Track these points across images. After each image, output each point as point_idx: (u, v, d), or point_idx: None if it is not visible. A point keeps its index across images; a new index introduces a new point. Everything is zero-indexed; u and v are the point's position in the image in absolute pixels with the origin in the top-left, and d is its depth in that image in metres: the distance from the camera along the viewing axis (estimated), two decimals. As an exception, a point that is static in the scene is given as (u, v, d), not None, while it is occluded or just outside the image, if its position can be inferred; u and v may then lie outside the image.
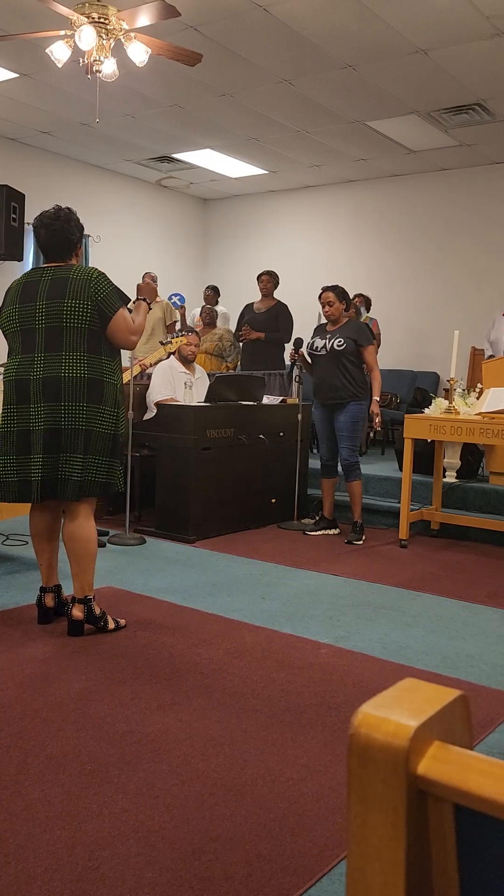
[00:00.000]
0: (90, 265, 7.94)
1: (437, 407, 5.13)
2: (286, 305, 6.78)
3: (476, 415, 4.82)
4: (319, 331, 5.25)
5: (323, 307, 5.12)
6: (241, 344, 7.16)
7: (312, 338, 5.25)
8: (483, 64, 5.51)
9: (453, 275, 8.34)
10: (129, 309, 3.15)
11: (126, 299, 3.12)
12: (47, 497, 3.06)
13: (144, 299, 3.37)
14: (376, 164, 8.23)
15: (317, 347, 5.14)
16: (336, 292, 5.09)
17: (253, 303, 6.92)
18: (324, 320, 5.25)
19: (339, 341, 5.01)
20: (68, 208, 3.20)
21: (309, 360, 5.23)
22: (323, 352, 5.08)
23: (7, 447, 3.08)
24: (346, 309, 5.18)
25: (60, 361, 2.99)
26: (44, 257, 3.21)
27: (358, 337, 5.05)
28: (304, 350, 5.27)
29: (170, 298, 8.16)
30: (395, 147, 7.58)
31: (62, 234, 3.13)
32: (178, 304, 8.07)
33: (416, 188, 8.58)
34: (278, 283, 6.87)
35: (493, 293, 7.87)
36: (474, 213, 8.24)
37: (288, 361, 5.41)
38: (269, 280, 6.81)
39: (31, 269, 3.23)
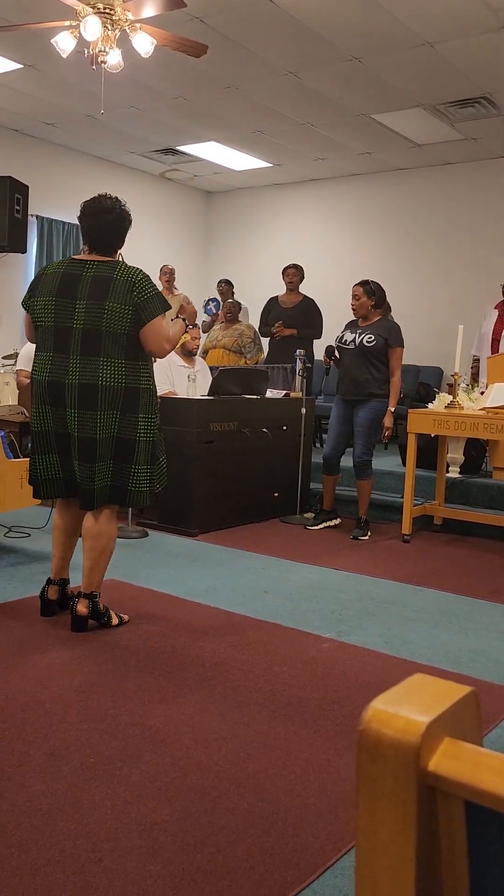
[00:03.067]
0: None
1: (441, 402, 5.12)
2: (314, 300, 6.64)
3: (480, 410, 4.81)
4: (351, 325, 5.20)
5: (351, 300, 5.09)
6: (260, 340, 7.05)
7: (343, 331, 5.20)
8: (489, 57, 5.48)
9: (458, 270, 8.32)
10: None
11: (167, 306, 3.03)
12: (86, 506, 3.03)
13: (184, 319, 3.32)
14: (381, 157, 8.20)
15: (346, 341, 5.09)
16: (365, 288, 5.05)
17: (277, 296, 6.78)
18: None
19: (370, 338, 4.97)
20: (118, 199, 3.11)
21: (338, 356, 5.17)
22: (351, 346, 5.05)
23: (46, 446, 3.04)
24: (376, 306, 5.09)
25: (98, 368, 2.91)
26: (88, 248, 3.08)
27: (389, 336, 4.99)
28: (333, 346, 5.19)
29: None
30: (401, 141, 7.55)
31: (114, 227, 3.05)
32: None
33: (421, 182, 8.55)
34: (304, 276, 6.76)
35: (498, 288, 7.84)
36: (479, 208, 8.21)
37: (324, 366, 5.34)
38: (295, 273, 6.68)
39: (69, 259, 3.08)
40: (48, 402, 3.00)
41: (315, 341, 6.61)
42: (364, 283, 5.08)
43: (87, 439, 2.95)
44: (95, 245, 3.07)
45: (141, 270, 3.00)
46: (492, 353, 6.85)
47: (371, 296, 5.04)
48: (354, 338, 5.04)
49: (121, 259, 3.12)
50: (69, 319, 2.94)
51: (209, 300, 8.04)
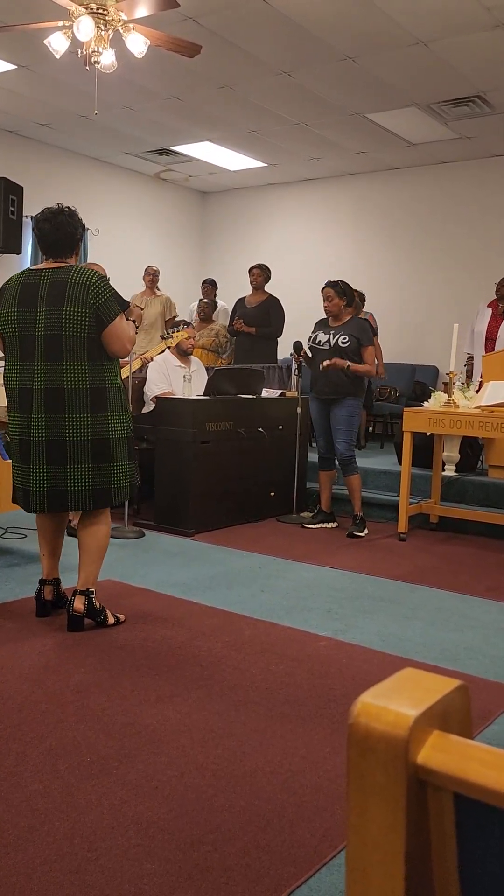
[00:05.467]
0: (89, 260, 7.93)
1: (437, 400, 5.12)
2: (278, 299, 6.74)
3: (475, 408, 4.81)
4: (322, 325, 5.24)
5: (323, 302, 5.13)
6: (233, 339, 7.13)
7: (315, 331, 5.24)
8: (483, 55, 5.49)
9: (453, 268, 8.33)
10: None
11: (125, 304, 3.08)
12: (54, 508, 3.04)
13: (134, 321, 3.36)
14: (376, 156, 8.20)
15: (320, 342, 5.13)
16: (336, 289, 5.09)
17: (245, 297, 6.89)
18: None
19: (344, 338, 5.01)
20: (69, 206, 3.17)
21: (310, 356, 5.22)
22: (326, 346, 5.08)
23: (15, 455, 3.10)
24: (347, 305, 5.16)
25: (62, 371, 2.95)
26: (44, 254, 3.13)
27: (361, 336, 5.04)
28: (306, 348, 5.24)
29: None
30: (395, 140, 7.56)
31: (66, 229, 3.08)
32: None
33: (416, 181, 8.56)
34: (270, 276, 6.83)
35: (493, 287, 7.85)
36: (474, 207, 8.22)
37: (294, 365, 5.40)
38: (259, 273, 6.78)
39: (27, 270, 3.14)
40: (17, 410, 3.05)
41: (279, 339, 6.75)
42: (334, 284, 5.12)
43: (57, 442, 2.98)
44: (51, 248, 3.09)
45: (95, 272, 3.03)
46: (486, 352, 6.87)
47: (342, 296, 5.09)
48: (329, 339, 5.08)
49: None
50: (31, 327, 2.99)
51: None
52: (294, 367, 5.51)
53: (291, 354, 5.36)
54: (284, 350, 6.79)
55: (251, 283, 6.80)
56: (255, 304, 6.73)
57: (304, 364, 5.34)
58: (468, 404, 4.96)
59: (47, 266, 3.09)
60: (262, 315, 6.64)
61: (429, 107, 6.57)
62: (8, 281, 3.13)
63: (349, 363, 4.94)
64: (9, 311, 3.05)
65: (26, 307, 3.00)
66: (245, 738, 2.27)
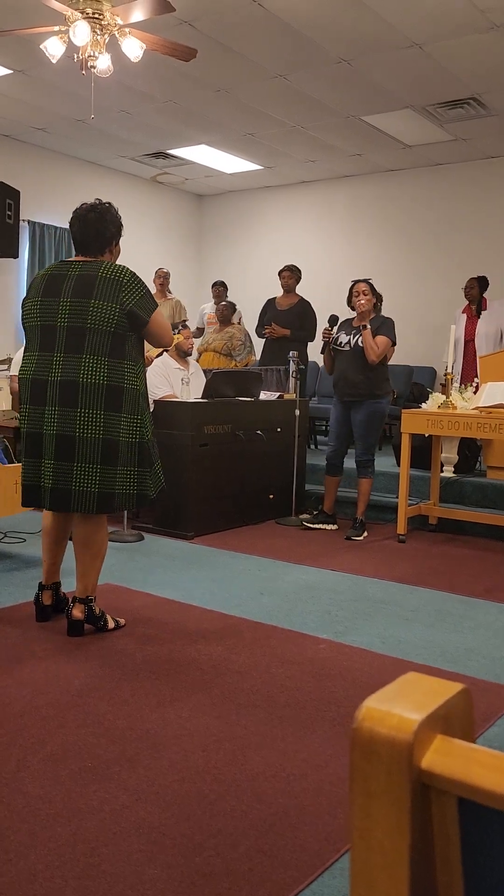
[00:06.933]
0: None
1: (435, 402, 5.13)
2: (309, 303, 6.64)
3: (473, 409, 4.82)
4: (345, 325, 5.16)
5: (357, 297, 4.98)
6: (251, 342, 7.06)
7: (337, 332, 5.15)
8: (478, 58, 5.51)
9: (449, 270, 8.33)
10: None
11: (153, 304, 3.06)
12: (59, 507, 2.99)
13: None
14: (371, 159, 8.22)
15: (341, 343, 5.07)
16: (370, 284, 5.03)
17: (275, 298, 6.80)
18: (347, 316, 5.19)
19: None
20: (108, 203, 3.13)
21: (331, 354, 5.12)
22: (347, 347, 5.03)
23: (27, 450, 3.03)
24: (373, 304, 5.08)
25: (80, 364, 2.89)
26: (75, 250, 3.12)
27: (379, 328, 4.94)
28: (329, 347, 5.14)
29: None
30: (391, 142, 7.57)
31: (95, 226, 3.05)
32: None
33: (412, 183, 8.57)
34: (300, 277, 6.77)
35: (490, 288, 7.87)
36: (470, 208, 8.23)
37: (320, 339, 5.25)
38: (290, 276, 6.69)
39: (59, 262, 3.11)
40: (28, 402, 3.00)
41: (310, 343, 6.65)
42: (367, 282, 5.03)
43: (67, 437, 2.91)
44: (80, 245, 3.10)
45: (127, 269, 2.99)
46: (465, 355, 6.91)
47: (373, 293, 5.02)
48: (350, 339, 5.03)
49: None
50: (53, 318, 2.95)
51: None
52: (322, 343, 5.28)
53: (325, 329, 5.17)
54: (312, 352, 6.77)
55: (282, 285, 6.71)
56: (287, 307, 6.63)
57: (333, 345, 5.12)
58: (466, 405, 4.96)
59: (78, 259, 3.07)
60: (295, 318, 6.55)
61: (424, 109, 6.59)
62: (39, 272, 3.13)
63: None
64: (33, 301, 3.02)
65: (50, 296, 2.97)
66: (246, 741, 2.27)
